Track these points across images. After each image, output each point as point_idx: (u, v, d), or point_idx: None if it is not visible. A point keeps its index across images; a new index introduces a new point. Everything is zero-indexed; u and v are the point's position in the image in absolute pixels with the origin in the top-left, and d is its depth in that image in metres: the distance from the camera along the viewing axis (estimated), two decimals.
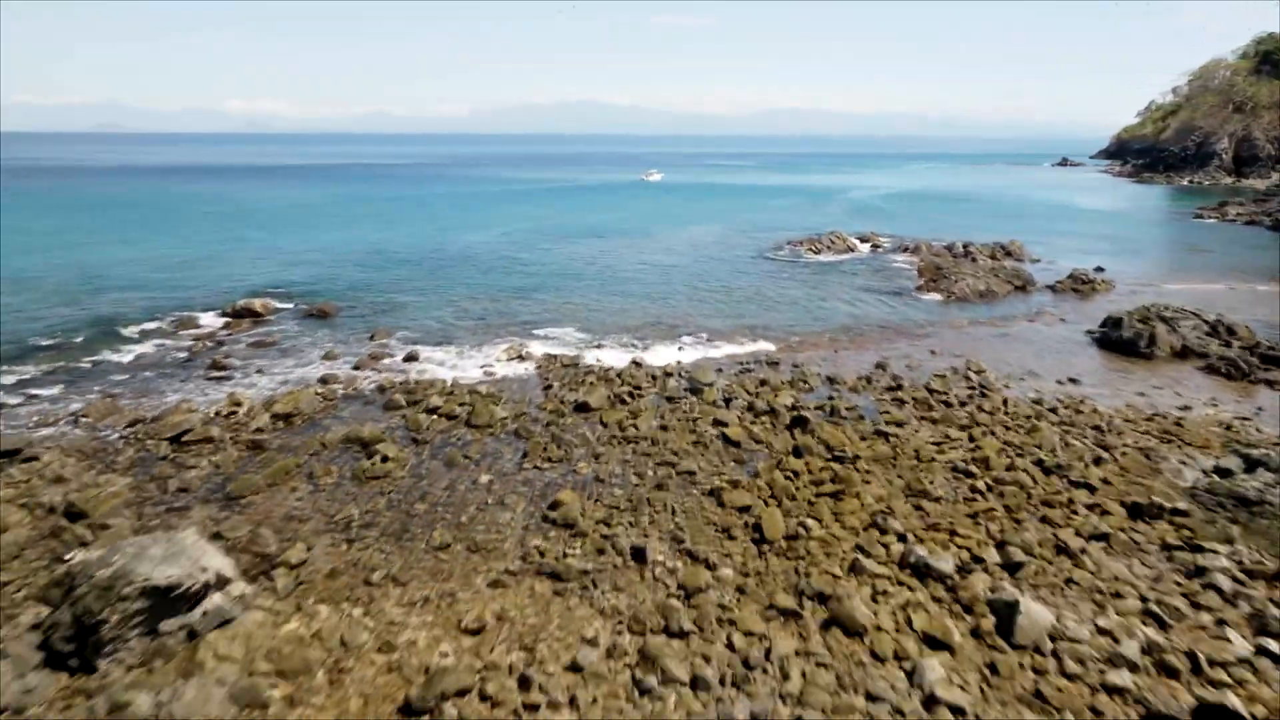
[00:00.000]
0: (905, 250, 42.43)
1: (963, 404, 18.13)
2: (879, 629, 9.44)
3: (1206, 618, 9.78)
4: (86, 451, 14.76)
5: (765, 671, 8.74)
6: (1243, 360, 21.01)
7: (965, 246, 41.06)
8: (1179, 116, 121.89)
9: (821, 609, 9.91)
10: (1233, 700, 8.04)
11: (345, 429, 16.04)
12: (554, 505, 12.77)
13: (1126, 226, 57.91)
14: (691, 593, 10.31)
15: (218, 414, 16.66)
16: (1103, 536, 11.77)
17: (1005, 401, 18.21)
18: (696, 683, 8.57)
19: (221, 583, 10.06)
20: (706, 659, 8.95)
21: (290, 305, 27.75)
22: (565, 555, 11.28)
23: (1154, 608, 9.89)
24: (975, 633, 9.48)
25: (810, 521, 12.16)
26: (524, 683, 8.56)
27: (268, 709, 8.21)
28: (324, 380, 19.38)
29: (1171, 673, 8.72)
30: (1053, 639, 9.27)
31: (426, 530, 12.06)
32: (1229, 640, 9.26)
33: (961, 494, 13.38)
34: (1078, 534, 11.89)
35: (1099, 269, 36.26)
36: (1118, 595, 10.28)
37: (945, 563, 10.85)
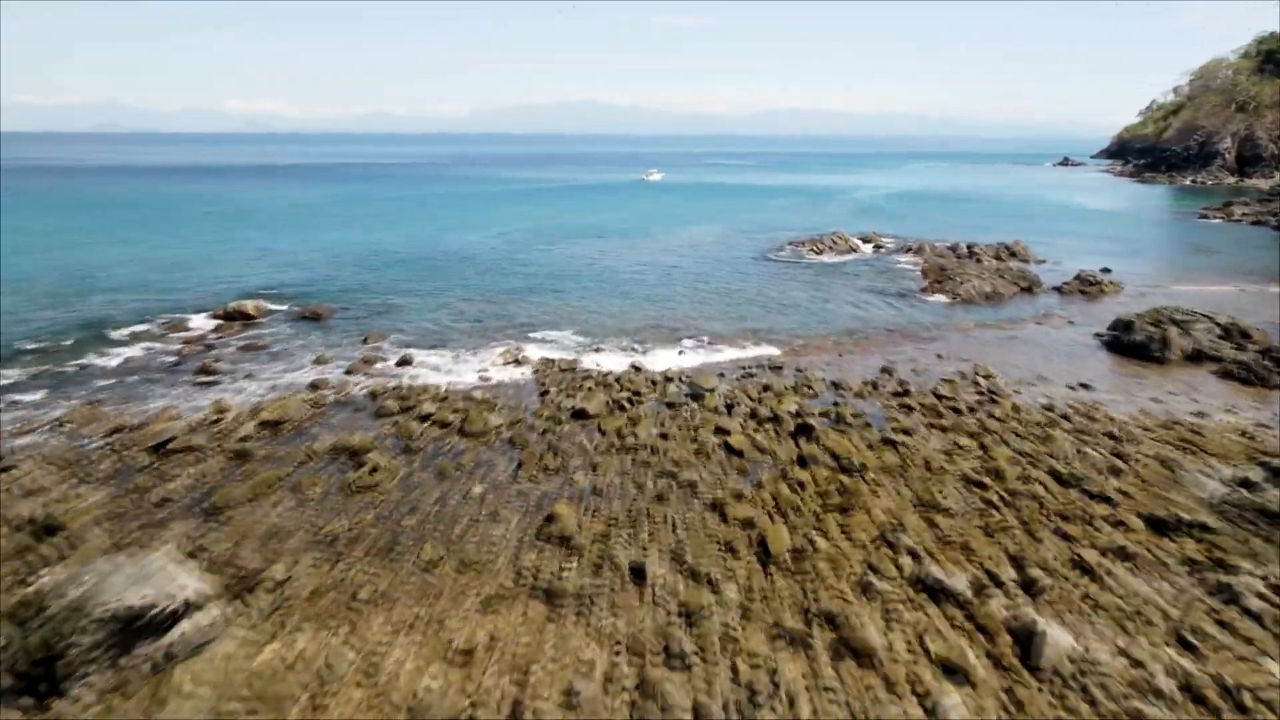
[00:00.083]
0: (908, 251, 41.87)
1: (972, 410, 17.59)
2: (893, 656, 8.91)
3: (1238, 642, 9.25)
4: (66, 460, 14.23)
5: (772, 705, 8.21)
6: (1258, 364, 20.48)
7: (969, 247, 40.55)
8: (1181, 116, 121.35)
9: (831, 632, 9.39)
10: None
11: (334, 437, 15.50)
12: (549, 519, 12.21)
13: (1131, 227, 57.31)
14: (693, 614, 9.77)
15: (202, 421, 16.13)
16: (1124, 552, 11.25)
17: (1015, 408, 17.68)
18: (699, 714, 8.05)
19: (198, 604, 9.55)
20: (709, 688, 8.43)
21: (283, 307, 27.20)
22: (560, 573, 10.74)
23: (1183, 631, 9.38)
24: (993, 658, 8.96)
25: (817, 536, 11.63)
26: (516, 713, 8.05)
27: None
28: (314, 386, 18.84)
29: (1207, 705, 8.20)
30: (1075, 664, 8.75)
31: (415, 546, 11.52)
32: (1267, 670, 8.72)
33: (974, 507, 12.84)
34: (1097, 549, 11.36)
35: (1106, 270, 35.69)
36: (1143, 618, 9.75)
37: (960, 581, 10.32)
